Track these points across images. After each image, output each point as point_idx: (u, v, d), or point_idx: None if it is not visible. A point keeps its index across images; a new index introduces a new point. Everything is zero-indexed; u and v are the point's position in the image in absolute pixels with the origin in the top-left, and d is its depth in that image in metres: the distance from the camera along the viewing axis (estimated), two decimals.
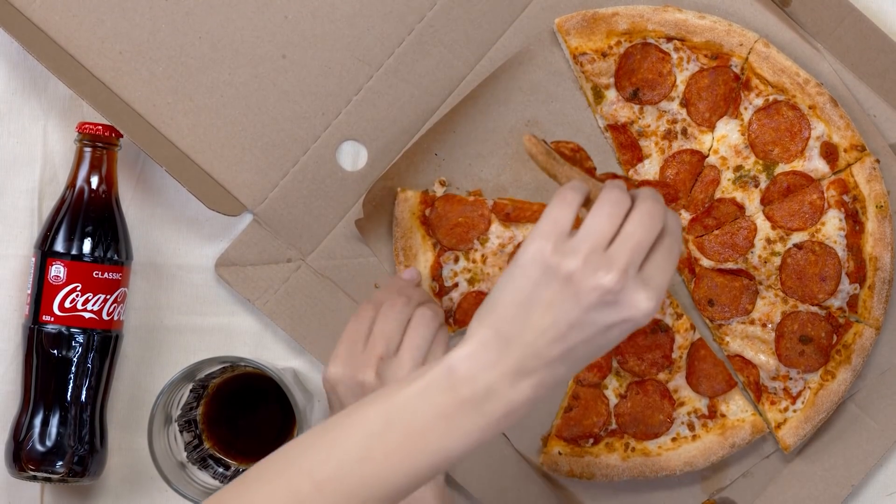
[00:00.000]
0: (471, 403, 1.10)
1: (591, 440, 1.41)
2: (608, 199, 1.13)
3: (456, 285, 1.42)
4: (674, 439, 1.40)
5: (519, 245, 1.41)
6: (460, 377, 1.11)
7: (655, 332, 1.41)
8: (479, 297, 1.41)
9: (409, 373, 1.23)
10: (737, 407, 1.41)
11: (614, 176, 1.30)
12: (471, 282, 1.42)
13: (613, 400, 1.41)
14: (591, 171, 1.24)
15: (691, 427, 1.41)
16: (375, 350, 1.27)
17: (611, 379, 1.42)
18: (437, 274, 1.42)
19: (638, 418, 1.40)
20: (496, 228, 1.41)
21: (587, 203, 1.15)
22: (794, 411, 1.40)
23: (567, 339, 1.11)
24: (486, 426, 1.11)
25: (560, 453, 1.40)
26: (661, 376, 1.41)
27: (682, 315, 1.41)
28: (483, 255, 1.42)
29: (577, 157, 1.29)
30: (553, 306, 1.10)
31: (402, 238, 1.41)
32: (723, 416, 1.41)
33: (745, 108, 1.41)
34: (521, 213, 1.41)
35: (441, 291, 1.41)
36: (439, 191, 1.42)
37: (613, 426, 1.41)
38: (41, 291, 1.38)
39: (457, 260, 1.42)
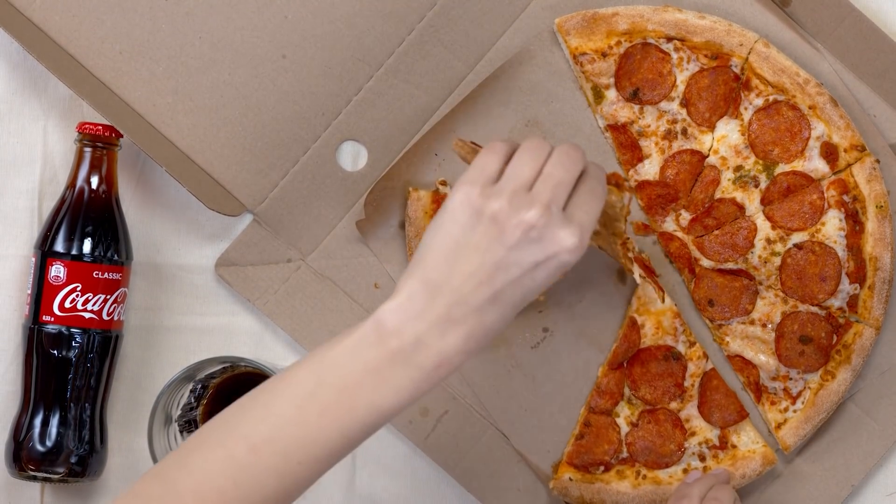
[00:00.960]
0: (400, 356, 1.11)
1: (602, 468, 1.40)
2: (528, 146, 1.16)
3: None
4: (685, 469, 1.40)
5: None
6: (388, 330, 1.11)
7: (668, 359, 1.41)
8: None
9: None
10: (748, 438, 1.41)
11: None
12: None
13: (625, 428, 1.41)
14: None
15: (702, 458, 1.40)
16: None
17: (622, 407, 1.41)
18: None
19: (649, 447, 1.40)
20: None
21: None
22: (794, 411, 1.40)
23: (493, 282, 1.12)
24: (417, 379, 1.11)
25: (571, 479, 1.40)
26: (673, 405, 1.41)
27: (694, 343, 1.41)
28: None
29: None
30: (479, 248, 1.12)
31: (415, 237, 1.41)
32: (734, 447, 1.40)
33: (745, 108, 1.41)
34: None
35: None
36: (445, 191, 1.42)
37: (625, 454, 1.40)
38: (41, 291, 1.38)
39: None
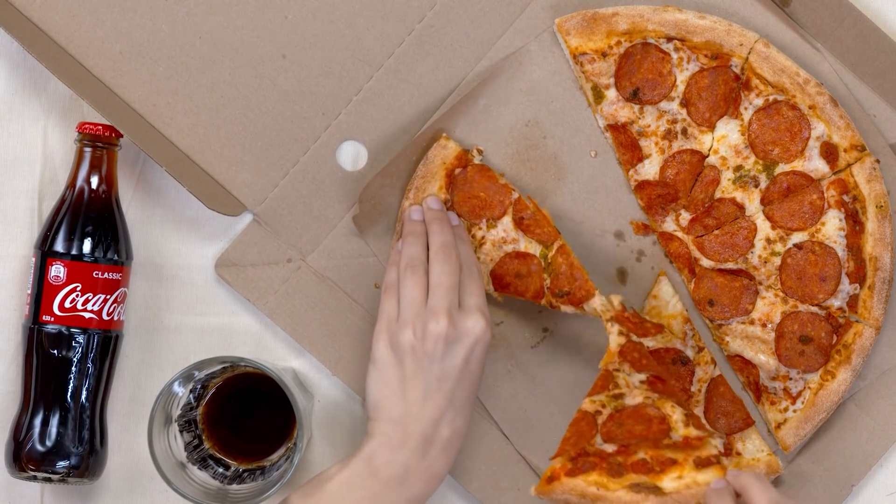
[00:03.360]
0: (395, 481, 1.29)
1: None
2: (406, 272, 1.33)
3: None
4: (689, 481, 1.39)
5: (517, 252, 1.41)
6: (380, 463, 1.29)
7: (676, 363, 1.40)
8: None
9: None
10: (753, 446, 1.40)
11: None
12: None
13: None
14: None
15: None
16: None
17: None
18: None
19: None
20: (507, 223, 1.41)
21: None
22: (794, 411, 1.40)
23: (444, 391, 1.29)
24: (411, 497, 1.30)
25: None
26: None
27: (703, 348, 1.41)
28: (483, 238, 1.41)
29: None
30: (418, 374, 1.29)
31: (421, 178, 1.41)
32: (738, 454, 1.40)
33: (745, 108, 1.41)
34: (532, 224, 1.40)
35: None
36: (476, 158, 1.42)
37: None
38: (41, 291, 1.38)
39: None
